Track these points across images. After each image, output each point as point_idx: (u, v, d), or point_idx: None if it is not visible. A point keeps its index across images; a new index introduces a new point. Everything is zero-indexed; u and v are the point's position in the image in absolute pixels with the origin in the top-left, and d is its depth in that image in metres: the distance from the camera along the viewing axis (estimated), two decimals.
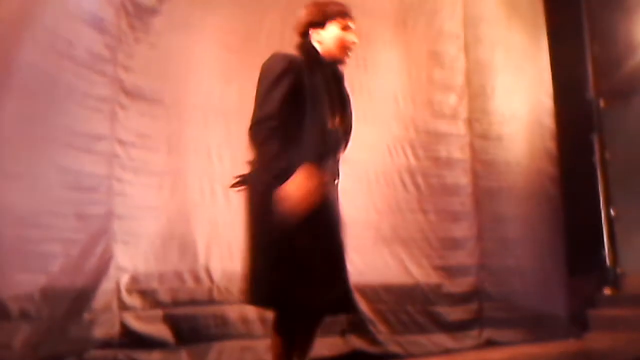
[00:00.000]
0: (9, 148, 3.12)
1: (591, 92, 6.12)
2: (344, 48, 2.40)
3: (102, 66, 3.51)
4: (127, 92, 3.58)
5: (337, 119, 2.40)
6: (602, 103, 6.06)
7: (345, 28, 2.40)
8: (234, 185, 2.40)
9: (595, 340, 4.40)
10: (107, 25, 3.54)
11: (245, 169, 2.35)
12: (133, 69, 3.61)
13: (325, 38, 2.40)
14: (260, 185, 2.27)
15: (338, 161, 2.43)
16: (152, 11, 3.72)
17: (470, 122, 5.15)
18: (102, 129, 3.48)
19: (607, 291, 4.91)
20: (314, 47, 2.41)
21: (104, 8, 3.53)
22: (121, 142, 3.53)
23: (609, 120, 6.03)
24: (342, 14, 2.42)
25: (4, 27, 3.20)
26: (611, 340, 4.42)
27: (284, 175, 2.17)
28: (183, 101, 3.77)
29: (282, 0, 4.10)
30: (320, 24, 2.41)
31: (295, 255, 2.20)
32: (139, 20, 3.67)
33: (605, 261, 5.44)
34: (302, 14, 2.45)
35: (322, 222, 2.24)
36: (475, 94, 5.25)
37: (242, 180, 2.38)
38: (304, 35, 2.43)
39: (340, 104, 2.41)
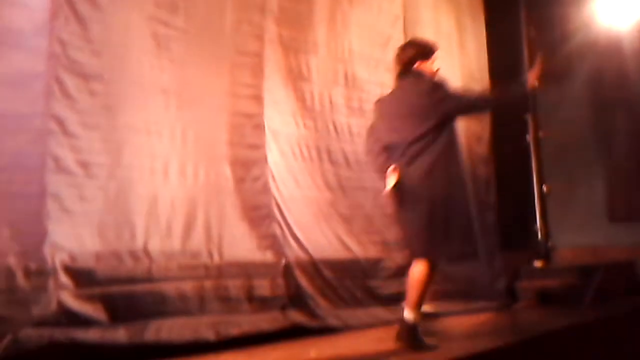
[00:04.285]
0: None
1: (526, 75, 6.33)
2: (435, 74, 3.56)
3: (39, 41, 3.41)
4: (64, 68, 3.50)
5: None
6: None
7: (434, 60, 3.57)
8: None
9: (525, 311, 4.60)
10: None
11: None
12: (71, 44, 3.51)
13: (427, 68, 3.54)
14: None
15: None
16: None
17: None
18: (38, 106, 3.40)
19: (537, 264, 5.13)
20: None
21: None
22: (57, 119, 3.44)
23: (543, 101, 6.27)
24: (435, 52, 3.60)
25: None
26: (540, 311, 4.62)
27: None
28: (121, 77, 3.69)
29: None
30: (426, 58, 3.55)
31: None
32: None
33: (537, 236, 5.69)
34: (411, 50, 3.57)
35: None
36: None
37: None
38: (411, 64, 3.54)
39: None
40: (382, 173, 3.43)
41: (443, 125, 3.38)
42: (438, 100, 3.37)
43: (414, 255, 3.42)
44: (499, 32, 6.18)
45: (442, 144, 3.36)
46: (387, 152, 3.47)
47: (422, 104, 3.38)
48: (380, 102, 3.72)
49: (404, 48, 3.66)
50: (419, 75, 3.52)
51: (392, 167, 3.35)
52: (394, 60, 3.63)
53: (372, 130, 3.69)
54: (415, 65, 3.53)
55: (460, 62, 5.91)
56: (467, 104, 3.54)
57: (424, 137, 3.33)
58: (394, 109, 3.52)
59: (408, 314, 3.38)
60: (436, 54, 3.59)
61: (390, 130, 3.48)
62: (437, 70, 3.56)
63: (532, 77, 3.60)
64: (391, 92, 3.66)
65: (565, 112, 6.22)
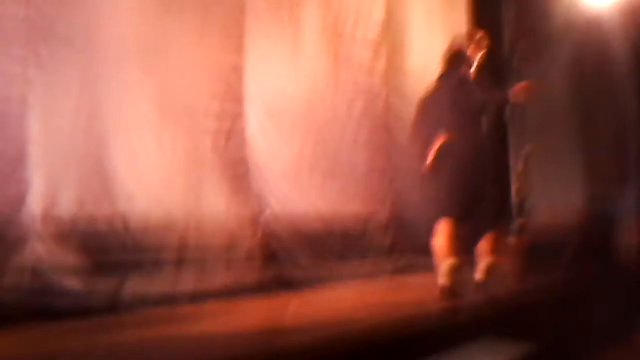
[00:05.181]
0: None
1: (507, 53, 6.43)
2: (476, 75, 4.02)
3: (14, 6, 3.41)
4: (38, 31, 3.49)
5: None
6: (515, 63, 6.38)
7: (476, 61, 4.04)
8: None
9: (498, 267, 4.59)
10: None
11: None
12: (42, 7, 3.51)
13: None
14: None
15: None
16: None
17: (386, 78, 5.37)
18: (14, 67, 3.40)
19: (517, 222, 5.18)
20: None
21: None
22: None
23: (523, 78, 6.33)
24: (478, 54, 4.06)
25: None
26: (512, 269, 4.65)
27: None
28: (97, 39, 3.72)
29: None
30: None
31: None
32: None
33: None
34: (455, 52, 4.05)
35: None
36: (393, 51, 5.45)
37: None
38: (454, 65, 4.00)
39: None
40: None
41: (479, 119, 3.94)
42: (479, 98, 3.86)
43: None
44: (481, 9, 6.27)
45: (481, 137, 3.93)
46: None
47: (464, 102, 3.85)
48: (425, 100, 4.13)
49: (448, 49, 4.13)
50: (463, 75, 3.98)
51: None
52: (440, 60, 4.11)
53: (416, 127, 4.15)
54: (459, 66, 4.01)
55: (443, 38, 5.97)
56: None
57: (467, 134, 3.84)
58: (438, 107, 3.95)
59: None
60: (478, 55, 4.06)
61: (434, 130, 3.88)
62: (477, 70, 4.03)
63: (517, 94, 3.93)
64: (434, 90, 4.09)
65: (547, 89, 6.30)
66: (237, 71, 4.35)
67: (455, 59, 4.07)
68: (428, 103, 4.09)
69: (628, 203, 5.75)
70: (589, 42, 6.43)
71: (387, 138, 5.21)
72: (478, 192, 3.84)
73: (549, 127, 5.79)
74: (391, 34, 5.51)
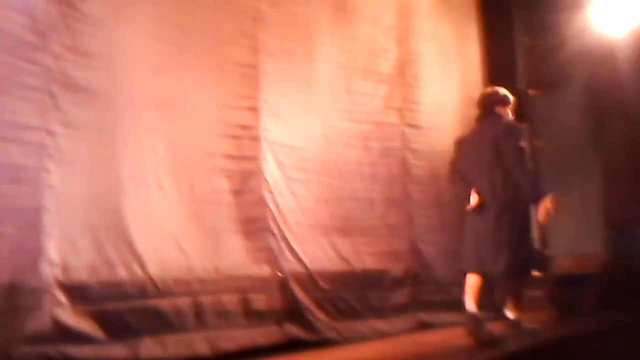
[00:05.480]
0: None
1: (521, 83, 6.35)
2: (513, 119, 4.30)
3: (32, 54, 3.38)
4: (58, 82, 3.46)
5: None
6: (531, 93, 6.30)
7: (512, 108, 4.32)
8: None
9: (525, 319, 4.55)
10: (36, 11, 3.40)
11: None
12: (64, 58, 3.48)
13: (505, 113, 4.27)
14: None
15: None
16: None
17: (401, 111, 5.27)
18: (31, 119, 3.36)
19: (536, 273, 5.12)
20: None
21: None
22: (51, 133, 3.41)
23: (539, 109, 6.26)
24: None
25: None
26: (538, 319, 4.61)
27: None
28: (115, 91, 3.67)
29: None
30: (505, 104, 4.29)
31: None
32: (70, 7, 3.54)
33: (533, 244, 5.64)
34: (493, 95, 4.33)
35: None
36: (407, 84, 5.37)
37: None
38: (492, 107, 4.27)
39: None
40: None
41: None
42: (515, 146, 4.01)
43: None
44: (494, 39, 6.19)
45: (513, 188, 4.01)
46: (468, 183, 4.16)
47: (501, 145, 4.04)
48: (462, 140, 4.37)
49: (485, 92, 4.43)
50: (499, 117, 4.22)
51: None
52: (476, 103, 4.35)
53: (454, 166, 4.33)
54: (496, 109, 4.24)
55: (457, 69, 5.91)
56: (528, 169, 4.01)
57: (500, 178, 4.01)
58: (475, 149, 4.16)
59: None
60: (513, 104, 4.31)
61: (472, 169, 4.15)
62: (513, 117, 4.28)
63: (542, 214, 4.04)
64: (473, 132, 4.33)
65: (561, 119, 6.22)
66: (253, 128, 4.28)
67: (492, 100, 4.28)
68: (467, 144, 4.30)
69: None
70: (603, 69, 6.35)
71: (404, 191, 5.13)
72: (509, 244, 3.98)
73: (564, 164, 5.71)
74: (407, 70, 5.40)
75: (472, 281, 4.02)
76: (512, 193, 4.01)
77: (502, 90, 4.39)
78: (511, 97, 4.34)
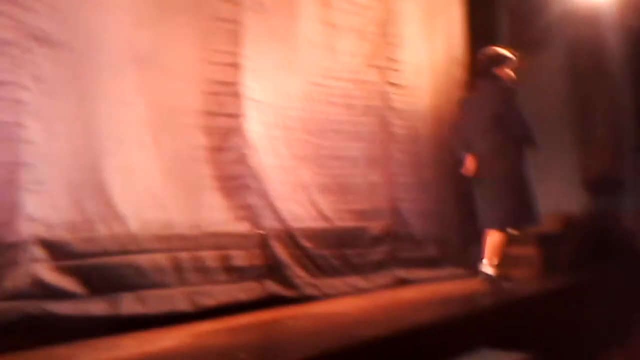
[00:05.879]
0: None
1: (503, 43, 6.31)
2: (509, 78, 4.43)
3: (4, 8, 3.27)
4: (31, 36, 3.36)
5: None
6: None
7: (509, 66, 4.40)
8: None
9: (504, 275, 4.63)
10: None
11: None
12: (36, 10, 3.36)
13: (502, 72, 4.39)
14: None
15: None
16: None
17: (382, 69, 5.24)
18: (5, 75, 3.28)
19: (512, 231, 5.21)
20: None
21: None
22: (26, 88, 3.32)
23: (520, 72, 6.25)
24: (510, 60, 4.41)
25: None
26: (517, 276, 4.70)
27: None
28: (92, 46, 3.56)
29: None
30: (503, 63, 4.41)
31: None
32: None
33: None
34: (490, 54, 4.44)
35: None
36: (388, 42, 5.33)
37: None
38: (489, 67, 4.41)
39: None
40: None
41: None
42: (513, 108, 4.24)
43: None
44: (475, 11, 6.14)
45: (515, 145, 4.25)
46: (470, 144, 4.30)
47: (500, 107, 4.21)
48: (464, 102, 4.52)
49: (482, 53, 4.47)
50: (497, 78, 4.32)
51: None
52: (474, 62, 4.52)
53: (457, 128, 4.47)
54: (494, 70, 4.35)
55: (439, 29, 5.88)
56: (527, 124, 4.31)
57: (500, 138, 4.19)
58: (474, 112, 4.32)
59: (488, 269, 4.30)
60: (512, 62, 4.37)
61: (474, 131, 4.28)
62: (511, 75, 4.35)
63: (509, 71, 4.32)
64: (472, 93, 4.47)
65: (543, 81, 6.24)
66: (235, 85, 4.22)
67: (491, 61, 4.37)
68: (468, 104, 4.44)
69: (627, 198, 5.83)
70: (585, 36, 6.35)
71: (384, 150, 5.15)
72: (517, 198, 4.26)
73: (544, 127, 5.76)
74: (389, 29, 5.35)
75: (492, 240, 4.30)
76: (512, 155, 4.22)
77: (500, 50, 4.43)
78: (511, 56, 4.40)
